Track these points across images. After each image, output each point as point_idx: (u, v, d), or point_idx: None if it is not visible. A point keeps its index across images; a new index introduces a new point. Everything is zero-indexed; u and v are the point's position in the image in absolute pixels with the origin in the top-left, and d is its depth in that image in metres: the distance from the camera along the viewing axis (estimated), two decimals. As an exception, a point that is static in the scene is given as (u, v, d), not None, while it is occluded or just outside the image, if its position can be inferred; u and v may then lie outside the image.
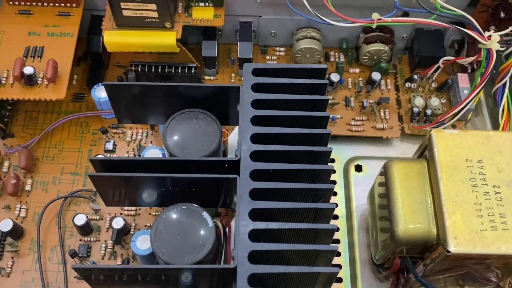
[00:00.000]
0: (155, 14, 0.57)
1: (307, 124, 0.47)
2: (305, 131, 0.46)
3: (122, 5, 0.56)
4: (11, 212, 0.58)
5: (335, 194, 0.62)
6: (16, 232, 0.56)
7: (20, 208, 0.58)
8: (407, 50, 0.70)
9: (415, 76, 0.66)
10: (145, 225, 0.58)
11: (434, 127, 0.63)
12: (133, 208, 0.58)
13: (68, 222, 0.58)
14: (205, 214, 0.46)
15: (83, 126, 0.63)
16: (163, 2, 0.55)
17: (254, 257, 0.41)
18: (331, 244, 0.43)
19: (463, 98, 0.63)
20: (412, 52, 0.68)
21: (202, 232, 0.45)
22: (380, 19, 0.55)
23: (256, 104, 0.47)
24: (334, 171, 0.62)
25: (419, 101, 0.65)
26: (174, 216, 0.46)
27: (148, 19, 0.58)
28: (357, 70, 0.68)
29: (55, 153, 0.61)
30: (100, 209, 0.58)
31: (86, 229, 0.56)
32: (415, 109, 0.64)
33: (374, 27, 0.57)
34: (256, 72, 0.49)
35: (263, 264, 0.40)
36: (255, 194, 0.44)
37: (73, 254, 0.55)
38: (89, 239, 0.57)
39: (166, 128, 0.50)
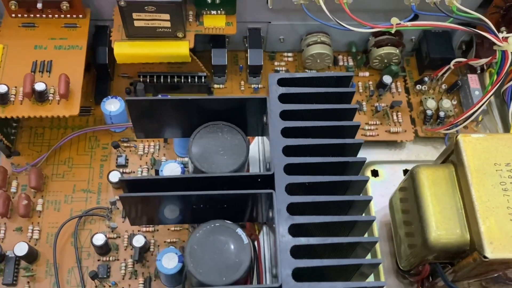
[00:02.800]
0: (168, 24, 0.55)
1: (336, 133, 0.46)
2: (337, 141, 0.46)
3: (134, 15, 0.54)
4: (23, 234, 0.56)
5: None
6: (31, 256, 0.53)
7: (33, 230, 0.56)
8: (414, 52, 0.70)
9: (425, 78, 0.66)
10: (164, 241, 0.56)
11: (448, 129, 0.63)
12: (147, 225, 0.57)
13: (84, 242, 0.56)
14: (239, 231, 0.44)
15: (92, 140, 0.61)
16: (178, 11, 0.54)
17: (298, 275, 0.40)
18: (373, 258, 0.42)
19: (475, 99, 0.64)
20: (420, 54, 0.68)
21: (238, 249, 0.44)
22: (399, 23, 0.55)
23: (284, 115, 0.46)
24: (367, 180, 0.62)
25: (431, 103, 0.64)
26: (208, 234, 0.44)
27: (160, 29, 0.56)
28: (367, 74, 0.67)
29: (65, 170, 0.59)
30: (117, 227, 0.56)
31: (104, 249, 0.54)
32: (428, 112, 0.64)
33: (393, 31, 0.56)
34: (282, 82, 0.48)
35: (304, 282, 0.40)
36: (292, 209, 0.43)
37: (94, 276, 0.53)
38: (107, 258, 0.55)
39: (191, 142, 0.48)
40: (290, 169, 0.44)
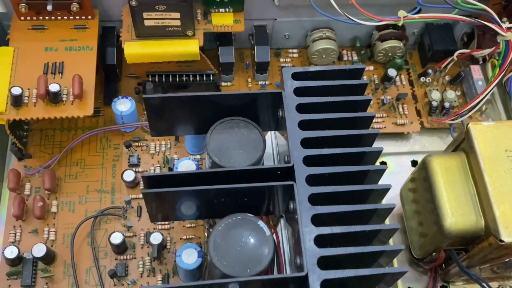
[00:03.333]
0: (178, 23, 0.56)
1: (351, 125, 0.47)
2: (354, 132, 0.46)
3: (145, 15, 0.54)
4: (39, 236, 0.56)
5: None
6: (49, 257, 0.54)
7: (49, 231, 0.56)
8: (417, 45, 0.71)
9: (429, 70, 0.67)
10: (180, 238, 0.57)
11: (453, 120, 0.64)
12: (166, 222, 0.57)
13: (100, 242, 0.56)
14: (261, 223, 0.45)
15: (103, 141, 0.61)
16: (188, 10, 0.54)
17: (323, 263, 0.41)
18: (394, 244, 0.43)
19: (479, 89, 0.65)
20: (423, 46, 0.69)
21: (260, 241, 0.44)
22: (407, 16, 0.56)
23: (301, 108, 0.47)
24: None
25: (436, 95, 0.66)
26: (231, 227, 0.45)
27: (170, 28, 0.56)
28: (372, 68, 0.68)
29: (78, 171, 0.59)
30: (133, 226, 0.57)
31: (121, 248, 0.55)
32: (434, 103, 0.65)
33: (400, 24, 0.57)
34: (296, 76, 0.48)
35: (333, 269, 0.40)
36: (314, 200, 0.43)
37: (113, 275, 0.53)
38: (124, 257, 0.55)
39: (208, 138, 0.48)
40: (309, 161, 0.45)
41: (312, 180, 0.44)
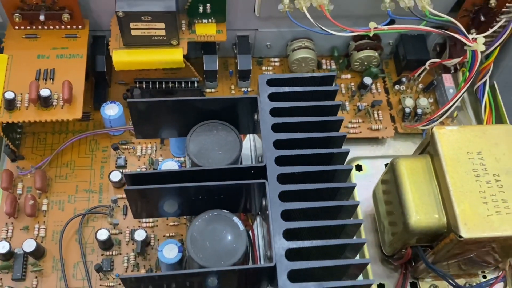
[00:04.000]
0: (163, 32, 0.59)
1: (322, 128, 0.51)
2: (323, 134, 0.50)
3: (132, 25, 0.58)
4: (30, 233, 0.59)
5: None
6: (39, 252, 0.57)
7: (39, 228, 0.59)
8: (392, 55, 0.74)
9: (403, 79, 0.71)
10: (164, 236, 0.60)
11: (425, 125, 0.67)
12: (150, 220, 0.60)
13: (88, 238, 0.59)
14: (236, 219, 0.48)
15: (92, 144, 0.65)
16: (172, 21, 0.58)
17: (290, 255, 0.44)
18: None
19: (450, 97, 0.68)
20: (398, 56, 0.72)
21: (235, 236, 0.47)
22: (377, 27, 0.59)
23: (274, 112, 0.50)
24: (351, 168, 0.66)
25: (409, 102, 0.69)
26: (207, 222, 0.48)
27: (156, 37, 0.60)
28: (349, 76, 0.72)
29: (68, 172, 0.63)
30: (119, 223, 0.60)
31: (107, 244, 0.58)
32: (407, 110, 0.68)
33: (371, 35, 0.61)
34: (271, 83, 0.52)
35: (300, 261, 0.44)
36: (284, 197, 0.47)
37: (99, 269, 0.56)
38: (110, 253, 0.58)
39: (188, 140, 0.52)
40: (280, 161, 0.48)
41: (283, 178, 0.48)
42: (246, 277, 0.47)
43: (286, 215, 0.46)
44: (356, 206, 0.48)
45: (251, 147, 0.58)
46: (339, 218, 0.48)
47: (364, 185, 0.66)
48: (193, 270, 0.45)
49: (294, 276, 0.43)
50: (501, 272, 0.60)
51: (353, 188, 0.49)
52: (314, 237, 0.46)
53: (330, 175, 0.49)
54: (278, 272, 0.43)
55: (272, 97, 0.51)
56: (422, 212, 0.52)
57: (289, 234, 0.45)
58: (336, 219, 0.48)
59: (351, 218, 0.50)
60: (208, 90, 0.70)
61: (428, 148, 0.56)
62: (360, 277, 0.60)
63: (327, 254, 0.46)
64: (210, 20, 0.63)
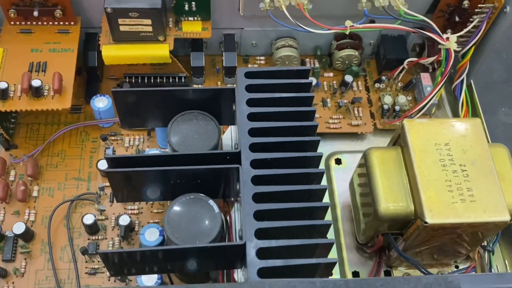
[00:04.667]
0: (150, 29, 0.63)
1: (296, 118, 0.53)
2: (295, 124, 0.53)
3: (120, 21, 0.61)
4: (21, 217, 0.62)
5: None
6: (28, 234, 0.60)
7: (29, 213, 0.62)
8: (374, 55, 0.77)
9: (383, 77, 0.74)
10: (148, 222, 0.63)
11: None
12: (136, 207, 0.63)
13: (75, 224, 0.62)
14: (211, 202, 0.51)
15: (83, 135, 0.68)
16: (158, 17, 0.61)
17: (260, 234, 0.47)
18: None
19: (427, 95, 0.71)
20: (379, 56, 0.75)
21: (210, 218, 0.50)
22: (353, 25, 0.62)
23: (250, 102, 0.53)
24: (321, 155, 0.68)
25: (388, 99, 0.72)
26: (184, 205, 0.51)
27: (143, 33, 0.63)
28: (331, 74, 0.75)
29: (58, 161, 0.66)
30: (105, 210, 0.63)
31: (93, 228, 0.61)
32: (385, 106, 0.71)
33: (347, 33, 0.64)
34: (248, 75, 0.55)
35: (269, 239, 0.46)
36: (256, 181, 0.49)
37: (84, 251, 0.59)
38: (96, 237, 0.61)
39: (169, 128, 0.55)
40: (254, 148, 0.51)
41: (257, 164, 0.50)
42: (221, 257, 0.49)
43: (258, 198, 0.49)
44: (324, 190, 0.50)
45: (232, 138, 0.61)
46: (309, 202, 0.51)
47: (343, 177, 0.69)
48: (168, 247, 0.47)
49: (263, 255, 0.46)
50: (472, 262, 0.63)
51: (322, 173, 0.51)
52: (284, 219, 0.48)
53: (302, 162, 0.52)
54: (247, 249, 0.46)
55: (249, 88, 0.54)
56: (391, 200, 0.55)
57: (260, 218, 0.48)
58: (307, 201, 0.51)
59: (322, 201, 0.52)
60: (195, 86, 0.73)
61: (399, 140, 0.58)
62: (336, 266, 0.63)
63: (296, 236, 0.49)
64: (195, 18, 0.66)
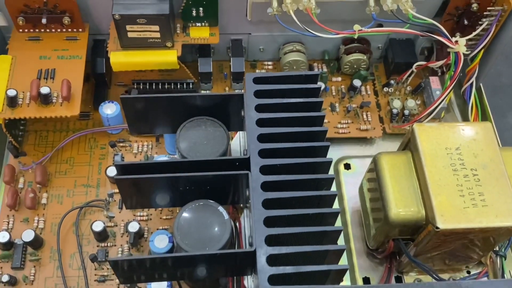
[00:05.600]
0: (158, 35, 0.62)
1: (305, 123, 0.53)
2: (305, 129, 0.52)
3: (128, 27, 0.61)
4: (30, 224, 0.62)
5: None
6: (37, 242, 0.60)
7: (38, 220, 0.62)
8: (382, 59, 0.77)
9: (392, 81, 0.73)
10: (157, 228, 0.62)
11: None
12: (145, 213, 0.63)
13: (84, 230, 0.62)
14: (221, 208, 0.51)
15: (91, 141, 0.68)
16: (166, 24, 0.61)
17: (270, 241, 0.46)
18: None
19: (436, 98, 0.70)
20: (387, 60, 0.75)
21: (219, 224, 0.50)
22: (361, 30, 0.62)
23: (259, 108, 0.53)
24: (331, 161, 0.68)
25: (397, 103, 0.71)
26: (193, 211, 0.51)
27: (151, 40, 0.63)
28: (339, 79, 0.74)
29: (67, 168, 0.66)
30: (114, 216, 0.63)
31: (103, 235, 0.60)
32: (394, 111, 0.71)
33: (356, 37, 0.63)
34: (257, 81, 0.55)
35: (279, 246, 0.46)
36: (265, 187, 0.49)
37: (93, 259, 0.59)
38: (106, 244, 0.61)
39: (178, 135, 0.55)
40: (264, 154, 0.51)
41: (266, 170, 0.50)
42: (231, 263, 0.49)
43: (268, 204, 0.48)
44: (334, 196, 0.50)
45: (241, 144, 0.61)
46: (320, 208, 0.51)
47: (352, 182, 0.68)
48: (178, 254, 0.47)
49: (273, 261, 0.46)
50: (484, 267, 0.62)
51: (332, 179, 0.51)
52: (294, 226, 0.48)
53: (312, 168, 0.52)
54: (257, 256, 0.45)
55: (258, 94, 0.54)
56: (401, 205, 0.54)
57: (270, 224, 0.47)
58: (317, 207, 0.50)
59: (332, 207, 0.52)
60: (203, 92, 0.73)
61: (409, 144, 0.58)
62: (347, 273, 0.63)
63: (306, 242, 0.49)
64: (203, 24, 0.66)
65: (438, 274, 0.59)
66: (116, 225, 0.62)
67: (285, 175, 0.50)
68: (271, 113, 0.53)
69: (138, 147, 0.68)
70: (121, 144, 0.68)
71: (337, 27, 0.65)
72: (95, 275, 0.60)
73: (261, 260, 0.45)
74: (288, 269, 0.45)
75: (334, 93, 0.73)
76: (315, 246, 0.46)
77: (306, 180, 0.50)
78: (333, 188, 0.68)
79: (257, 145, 0.51)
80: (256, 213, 0.47)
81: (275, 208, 0.48)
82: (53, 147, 0.66)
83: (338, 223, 0.61)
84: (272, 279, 0.44)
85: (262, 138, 0.52)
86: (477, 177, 0.53)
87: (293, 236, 0.48)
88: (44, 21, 0.63)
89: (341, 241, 0.64)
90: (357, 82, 0.72)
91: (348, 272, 0.63)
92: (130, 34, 0.62)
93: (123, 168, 0.50)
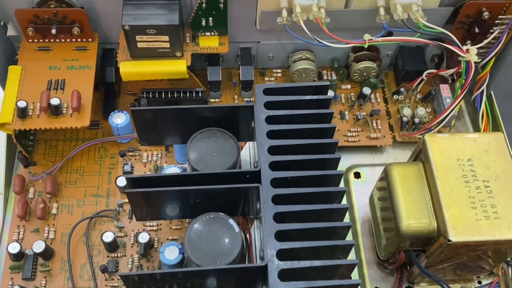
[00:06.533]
0: (167, 45, 0.62)
1: (315, 135, 0.53)
2: (315, 141, 0.52)
3: (137, 38, 0.61)
4: (40, 235, 0.62)
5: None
6: (48, 253, 0.60)
7: (49, 231, 0.62)
8: (392, 66, 0.76)
9: (402, 89, 0.73)
10: (167, 239, 0.62)
11: (422, 134, 0.69)
12: (155, 223, 0.63)
13: (95, 241, 0.62)
14: (231, 221, 0.51)
15: (101, 151, 0.68)
16: (175, 34, 0.61)
17: (281, 255, 0.46)
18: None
19: (446, 106, 0.70)
20: (397, 67, 0.75)
21: (230, 237, 0.50)
22: (371, 39, 0.61)
23: (269, 120, 0.53)
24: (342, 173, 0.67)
25: (407, 111, 0.71)
26: (204, 224, 0.50)
27: (161, 50, 0.63)
28: (349, 86, 0.74)
29: (77, 178, 0.66)
30: (124, 227, 0.63)
31: (113, 246, 0.60)
32: (404, 119, 0.70)
33: (366, 47, 0.63)
34: (267, 92, 0.54)
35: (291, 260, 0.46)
36: (276, 200, 0.49)
37: (104, 269, 0.59)
38: (116, 255, 0.61)
39: (188, 146, 0.55)
40: (274, 166, 0.51)
41: (276, 183, 0.50)
42: (242, 277, 0.49)
43: (279, 218, 0.48)
44: (346, 209, 0.50)
45: (250, 154, 0.61)
46: (331, 221, 0.50)
47: (362, 191, 0.68)
48: (189, 268, 0.47)
49: (285, 275, 0.46)
50: (495, 278, 0.62)
51: (343, 192, 0.51)
52: (306, 239, 0.48)
53: (322, 180, 0.52)
54: (269, 271, 0.45)
55: (268, 105, 0.54)
56: (413, 217, 0.54)
57: (281, 236, 0.47)
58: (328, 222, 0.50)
59: (343, 221, 0.52)
60: (212, 100, 0.72)
61: (420, 155, 0.57)
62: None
63: (318, 255, 0.48)
64: (212, 33, 0.66)
65: (448, 285, 0.59)
66: (126, 235, 0.62)
67: (296, 188, 0.50)
68: (281, 124, 0.53)
69: (147, 157, 0.68)
70: (131, 154, 0.68)
71: (347, 35, 0.64)
72: (106, 286, 0.60)
73: (273, 275, 0.45)
74: (300, 284, 0.45)
75: (343, 101, 0.73)
76: (327, 261, 0.46)
77: (317, 193, 0.50)
78: (344, 198, 0.68)
79: (268, 157, 0.51)
80: (268, 227, 0.47)
81: (286, 221, 0.48)
82: (63, 157, 0.66)
83: (349, 235, 0.61)
84: (284, 294, 0.44)
85: (272, 150, 0.51)
86: (489, 188, 0.53)
87: (304, 250, 0.48)
88: (53, 31, 0.63)
89: (352, 252, 0.64)
90: (366, 90, 0.71)
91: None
92: (139, 44, 0.62)
93: (134, 181, 0.50)
